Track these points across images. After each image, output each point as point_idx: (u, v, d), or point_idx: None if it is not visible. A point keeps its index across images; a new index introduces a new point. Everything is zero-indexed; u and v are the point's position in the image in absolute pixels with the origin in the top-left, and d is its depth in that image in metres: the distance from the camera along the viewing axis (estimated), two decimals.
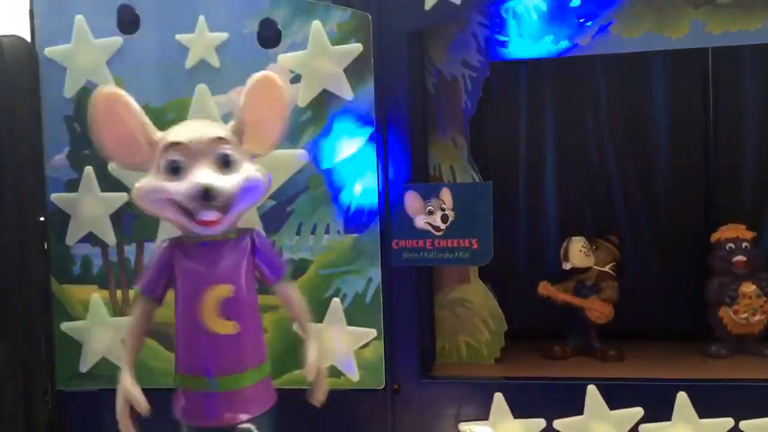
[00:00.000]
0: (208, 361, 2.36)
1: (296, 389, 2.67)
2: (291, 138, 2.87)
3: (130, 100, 2.33)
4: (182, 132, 2.36)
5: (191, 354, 2.40)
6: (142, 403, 2.33)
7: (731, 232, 3.23)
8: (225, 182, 2.28)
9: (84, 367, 3.05)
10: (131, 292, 3.00)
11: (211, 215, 2.29)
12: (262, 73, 2.41)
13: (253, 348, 2.43)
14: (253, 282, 2.45)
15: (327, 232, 2.89)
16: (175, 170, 2.30)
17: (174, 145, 2.30)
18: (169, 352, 2.75)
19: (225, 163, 2.32)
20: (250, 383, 2.40)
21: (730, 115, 3.50)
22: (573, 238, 3.32)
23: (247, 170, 2.35)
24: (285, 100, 2.44)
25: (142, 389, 2.38)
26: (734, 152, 3.51)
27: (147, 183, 2.33)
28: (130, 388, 2.35)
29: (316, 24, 2.82)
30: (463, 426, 2.86)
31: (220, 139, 2.33)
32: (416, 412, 2.92)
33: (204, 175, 2.26)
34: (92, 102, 2.33)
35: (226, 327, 2.35)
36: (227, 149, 2.33)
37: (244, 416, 2.40)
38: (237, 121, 2.41)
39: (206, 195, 2.24)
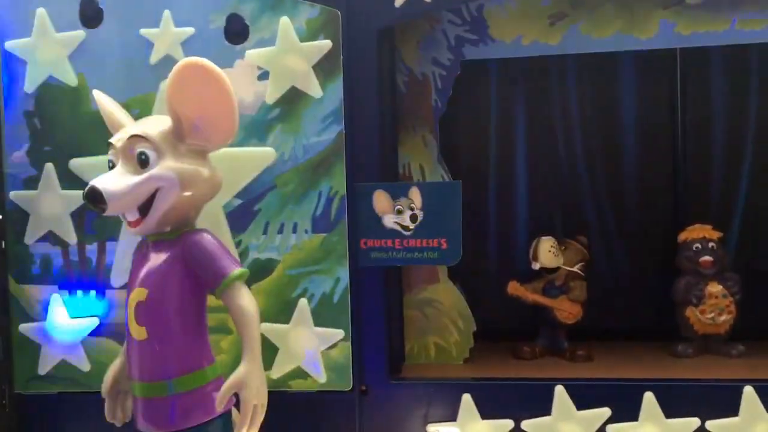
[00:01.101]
0: (133, 366, 2.30)
1: None
2: (258, 135, 2.83)
3: (99, 99, 2.49)
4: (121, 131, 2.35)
5: (126, 357, 2.36)
6: (104, 385, 2.45)
7: (698, 233, 3.25)
8: (118, 183, 2.20)
9: (43, 370, 2.98)
10: (92, 293, 2.93)
11: (130, 216, 2.27)
12: (184, 60, 2.28)
13: (178, 356, 2.26)
14: (183, 288, 2.27)
15: (294, 231, 2.85)
16: (110, 170, 2.29)
17: (109, 145, 2.31)
18: None
19: (142, 162, 2.24)
20: (174, 392, 2.24)
21: (699, 116, 3.52)
22: (542, 238, 3.32)
23: (157, 168, 2.23)
24: (223, 85, 2.23)
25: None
26: (702, 153, 3.53)
27: None
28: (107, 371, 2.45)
29: (285, 20, 2.77)
30: (431, 427, 2.83)
31: (137, 137, 2.25)
32: (384, 414, 2.88)
33: (101, 176, 2.24)
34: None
35: (139, 332, 2.25)
36: (144, 147, 2.24)
37: (171, 426, 2.25)
38: (169, 114, 2.30)
39: (89, 197, 2.19)
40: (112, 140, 2.30)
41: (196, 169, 2.29)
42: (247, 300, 2.24)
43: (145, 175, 2.23)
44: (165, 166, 2.24)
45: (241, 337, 2.22)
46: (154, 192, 2.24)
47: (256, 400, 2.17)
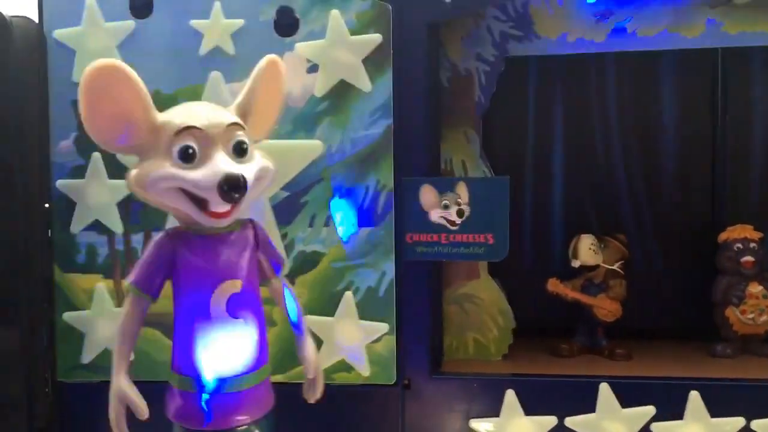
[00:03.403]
0: (216, 361, 2.22)
1: None
2: (307, 128, 2.84)
3: (133, 74, 2.07)
4: (193, 115, 2.14)
5: (195, 353, 2.22)
6: (142, 408, 2.17)
7: (739, 233, 3.25)
8: (248, 172, 2.13)
9: (86, 358, 2.99)
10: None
11: (224, 206, 2.14)
12: (270, 56, 2.30)
13: (259, 347, 2.28)
14: (257, 276, 2.32)
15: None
16: (188, 157, 2.09)
17: (189, 130, 2.10)
18: None
19: (239, 151, 2.16)
20: (253, 384, 2.26)
21: (738, 115, 3.50)
22: (582, 235, 3.31)
23: (259, 159, 2.21)
24: (285, 86, 2.36)
25: (145, 382, 2.28)
26: (742, 152, 3.51)
27: (154, 169, 2.10)
28: (128, 392, 2.18)
29: (335, 13, 2.77)
30: (473, 422, 2.84)
31: (236, 125, 2.18)
32: (426, 408, 2.89)
33: (229, 164, 2.10)
34: (86, 75, 2.02)
35: (234, 325, 2.21)
36: (242, 136, 2.18)
37: (244, 419, 2.26)
38: (242, 105, 2.26)
39: (235, 185, 2.07)
40: (198, 125, 2.11)
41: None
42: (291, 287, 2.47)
43: (256, 164, 2.19)
44: (262, 157, 2.23)
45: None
46: None
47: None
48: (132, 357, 2.93)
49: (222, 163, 2.09)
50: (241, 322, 2.22)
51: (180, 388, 2.25)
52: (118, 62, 2.10)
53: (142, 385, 2.38)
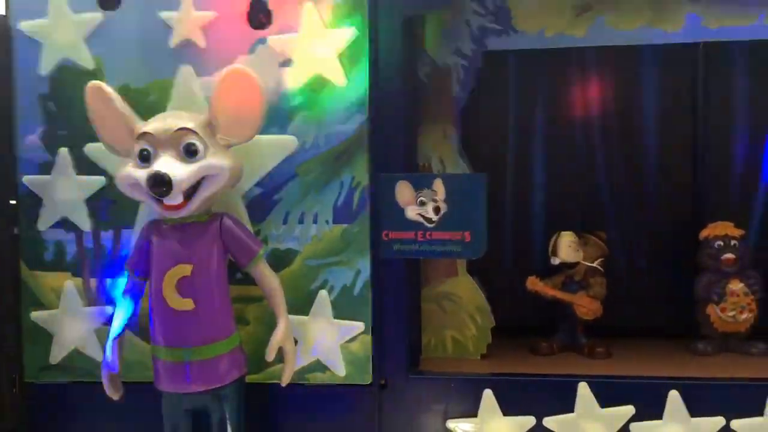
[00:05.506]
0: (169, 333, 2.55)
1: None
2: (280, 123, 2.78)
3: (110, 92, 2.56)
4: (153, 122, 2.53)
5: (155, 326, 2.58)
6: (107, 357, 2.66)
7: (720, 230, 3.22)
8: (182, 170, 2.44)
9: (54, 359, 2.92)
10: (108, 281, 2.88)
11: (173, 200, 2.47)
12: (232, 67, 2.56)
13: (213, 324, 2.57)
14: (219, 263, 2.59)
15: (315, 221, 2.80)
16: (145, 158, 2.50)
17: (143, 135, 2.50)
18: (147, 344, 2.69)
19: (189, 153, 2.48)
20: (206, 356, 2.54)
21: (719, 112, 3.48)
22: (562, 232, 3.27)
23: (210, 159, 2.49)
24: (259, 92, 2.53)
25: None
26: (722, 149, 3.50)
27: (123, 170, 2.54)
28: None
29: (309, 6, 2.71)
30: (451, 423, 2.79)
31: (185, 129, 2.48)
32: (403, 408, 2.84)
33: (161, 163, 2.43)
34: (85, 92, 2.58)
35: (182, 304, 2.51)
36: (191, 139, 2.48)
37: (198, 386, 2.56)
38: (209, 112, 2.54)
39: (158, 182, 2.40)
40: (150, 130, 2.48)
41: (233, 160, 2.55)
42: (272, 272, 2.69)
43: (201, 164, 2.48)
44: (215, 157, 2.50)
45: (274, 303, 2.65)
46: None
47: (294, 352, 2.65)
48: (101, 357, 2.91)
49: (157, 164, 2.45)
50: (190, 302, 2.51)
51: (154, 356, 2.62)
52: (99, 84, 2.59)
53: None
